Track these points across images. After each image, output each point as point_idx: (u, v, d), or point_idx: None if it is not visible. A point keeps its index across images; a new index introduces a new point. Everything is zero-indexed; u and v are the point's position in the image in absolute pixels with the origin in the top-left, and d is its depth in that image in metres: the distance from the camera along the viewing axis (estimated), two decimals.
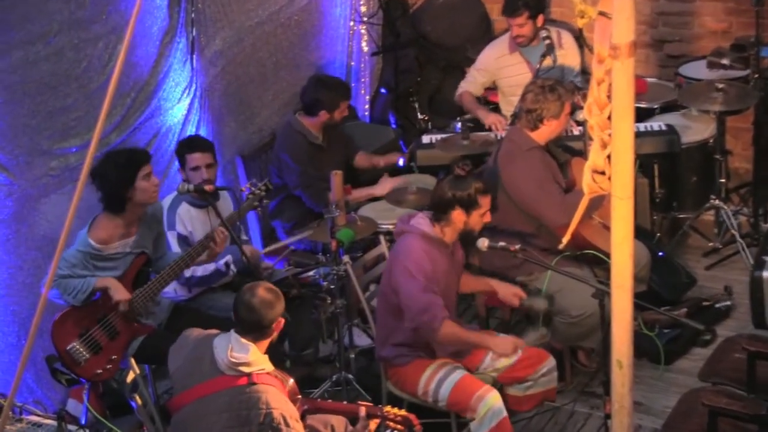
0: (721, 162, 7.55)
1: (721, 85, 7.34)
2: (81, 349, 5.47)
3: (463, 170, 5.58)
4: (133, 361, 5.67)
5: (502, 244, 5.56)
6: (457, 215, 5.56)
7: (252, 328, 4.77)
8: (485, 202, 5.61)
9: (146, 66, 6.58)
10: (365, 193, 7.21)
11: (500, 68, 7.75)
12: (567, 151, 6.70)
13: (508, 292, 5.99)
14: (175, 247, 6.08)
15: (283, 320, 4.83)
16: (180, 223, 6.16)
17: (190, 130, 6.91)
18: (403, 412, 5.01)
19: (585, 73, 7.79)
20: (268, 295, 4.79)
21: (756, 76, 7.59)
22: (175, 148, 6.39)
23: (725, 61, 7.73)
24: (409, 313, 5.52)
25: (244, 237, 6.62)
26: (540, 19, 7.59)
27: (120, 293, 5.53)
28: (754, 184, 7.86)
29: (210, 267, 6.18)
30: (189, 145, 6.29)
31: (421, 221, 5.63)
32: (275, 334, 4.84)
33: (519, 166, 6.14)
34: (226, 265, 6.24)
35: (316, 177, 7.01)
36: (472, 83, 7.91)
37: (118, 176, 5.54)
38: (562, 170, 6.30)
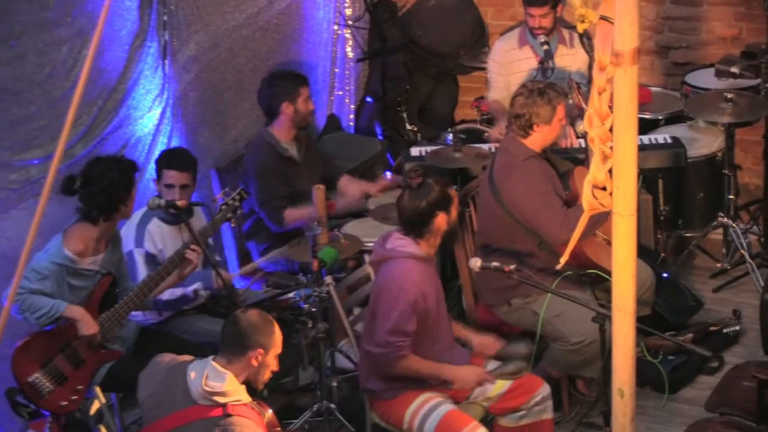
0: (730, 177, 7.56)
1: (730, 95, 7.37)
2: (44, 380, 5.43)
3: (419, 177, 5.59)
4: (98, 390, 5.65)
5: (495, 264, 5.55)
6: (441, 220, 5.58)
7: (229, 341, 4.78)
8: (454, 193, 5.69)
9: (114, 72, 6.56)
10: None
11: (510, 62, 7.75)
12: (568, 159, 6.70)
13: (484, 341, 5.96)
14: (141, 266, 6.08)
15: (262, 353, 4.79)
16: (149, 240, 6.15)
17: (162, 141, 6.90)
18: None
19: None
20: (259, 319, 4.83)
21: (767, 85, 7.61)
22: (158, 157, 6.41)
23: (735, 70, 7.75)
24: (369, 340, 5.58)
25: (217, 258, 6.61)
26: (559, 9, 7.62)
27: (88, 327, 5.51)
28: (765, 201, 7.88)
29: (177, 292, 6.16)
30: (169, 159, 6.31)
31: (403, 242, 5.62)
32: (253, 365, 4.80)
33: (518, 178, 6.13)
34: (195, 292, 6.22)
35: (274, 194, 6.99)
36: (496, 89, 7.89)
37: (121, 179, 5.62)
38: (562, 181, 6.29)
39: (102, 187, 5.57)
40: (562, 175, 6.33)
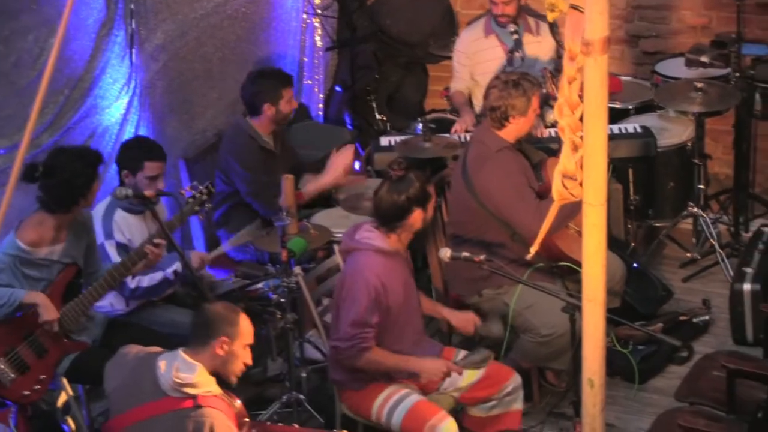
0: (700, 167, 7.59)
1: (700, 85, 7.39)
2: (6, 369, 5.41)
3: (401, 169, 5.57)
4: (65, 381, 5.63)
5: (465, 254, 5.55)
6: (416, 216, 5.57)
7: (195, 332, 4.78)
8: (432, 190, 5.67)
9: (81, 61, 6.53)
10: (316, 186, 7.19)
11: (476, 52, 7.76)
12: (542, 149, 6.70)
13: (462, 320, 5.98)
14: (115, 257, 6.04)
15: (227, 341, 4.77)
16: (118, 231, 6.12)
17: (129, 131, 6.87)
18: None
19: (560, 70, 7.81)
20: (223, 308, 4.83)
21: (737, 74, 7.65)
22: (127, 150, 6.26)
23: (705, 59, 7.78)
24: (334, 335, 5.58)
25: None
26: None
27: (48, 313, 5.47)
28: (735, 191, 7.93)
29: (157, 276, 6.14)
30: (148, 152, 6.20)
31: (370, 235, 5.61)
32: (219, 354, 4.78)
33: (491, 170, 6.13)
34: (175, 273, 6.19)
35: (266, 183, 6.97)
36: (459, 79, 7.91)
37: (84, 172, 5.54)
38: (535, 171, 6.30)
39: (64, 179, 5.50)
40: (534, 166, 6.34)
